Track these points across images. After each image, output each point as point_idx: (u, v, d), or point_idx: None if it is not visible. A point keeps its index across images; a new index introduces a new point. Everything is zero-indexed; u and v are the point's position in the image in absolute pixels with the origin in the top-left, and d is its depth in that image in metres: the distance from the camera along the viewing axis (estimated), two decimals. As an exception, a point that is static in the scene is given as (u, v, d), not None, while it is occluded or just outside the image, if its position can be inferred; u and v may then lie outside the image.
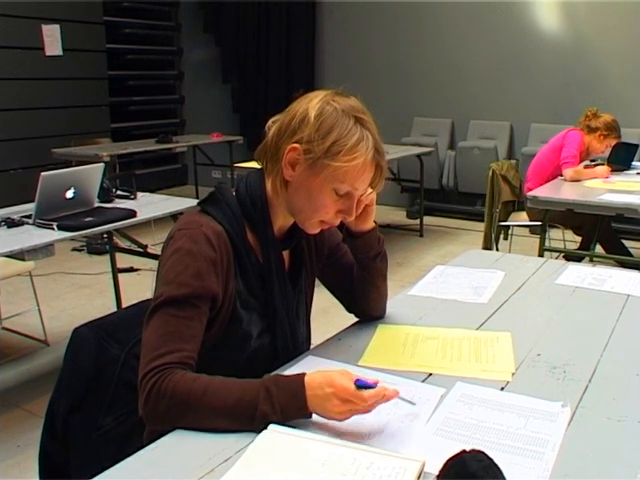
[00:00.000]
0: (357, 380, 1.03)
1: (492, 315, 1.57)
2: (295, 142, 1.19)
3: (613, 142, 4.05)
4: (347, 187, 1.20)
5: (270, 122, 1.26)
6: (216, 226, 1.21)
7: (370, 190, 1.28)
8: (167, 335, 1.11)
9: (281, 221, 1.30)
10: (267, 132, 1.25)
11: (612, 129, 4.03)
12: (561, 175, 3.90)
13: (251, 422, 1.02)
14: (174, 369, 1.08)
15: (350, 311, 1.51)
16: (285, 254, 1.34)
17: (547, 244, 3.85)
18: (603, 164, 4.09)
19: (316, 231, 1.29)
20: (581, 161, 4.07)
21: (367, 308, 1.49)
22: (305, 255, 1.39)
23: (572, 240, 4.64)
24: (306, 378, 1.05)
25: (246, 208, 1.26)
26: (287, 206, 1.26)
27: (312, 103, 1.19)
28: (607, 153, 4.10)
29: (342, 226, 1.39)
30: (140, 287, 4.05)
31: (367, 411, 1.02)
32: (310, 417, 1.04)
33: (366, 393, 1.01)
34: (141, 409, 1.08)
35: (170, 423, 1.04)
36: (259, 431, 1.01)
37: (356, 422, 1.03)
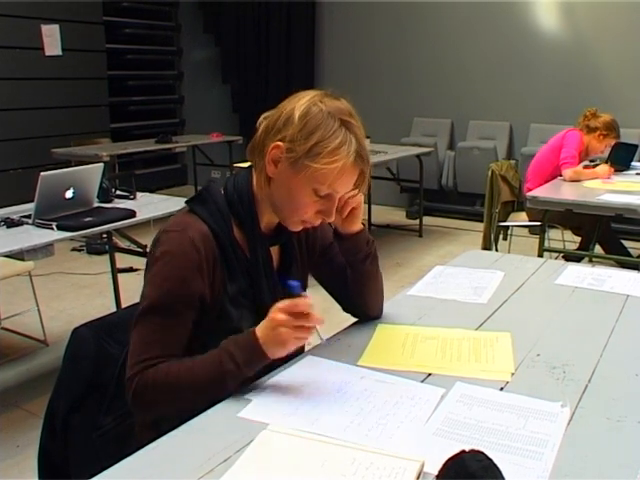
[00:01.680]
0: (285, 281, 1.18)
1: (491, 315, 1.56)
2: (279, 140, 1.20)
3: (612, 142, 4.05)
4: (326, 189, 1.21)
5: (262, 118, 1.27)
6: (202, 226, 1.23)
7: (356, 191, 1.28)
8: (151, 343, 1.16)
9: (268, 217, 1.31)
10: (258, 128, 1.26)
11: (611, 129, 4.03)
12: (560, 175, 3.90)
13: (224, 385, 1.10)
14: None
15: (347, 311, 1.51)
16: (275, 251, 1.34)
17: (546, 244, 3.85)
18: (602, 164, 4.08)
19: (298, 229, 1.30)
20: (580, 161, 4.07)
21: (362, 308, 1.48)
22: (295, 252, 1.40)
23: (571, 240, 4.64)
24: (256, 329, 1.14)
25: (233, 204, 1.27)
26: (270, 203, 1.27)
27: (299, 103, 1.20)
28: (606, 153, 4.10)
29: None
30: (139, 287, 4.01)
31: (307, 320, 1.15)
32: (270, 360, 1.14)
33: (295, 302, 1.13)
34: (130, 405, 1.14)
35: (159, 410, 1.11)
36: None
37: (356, 422, 1.03)
